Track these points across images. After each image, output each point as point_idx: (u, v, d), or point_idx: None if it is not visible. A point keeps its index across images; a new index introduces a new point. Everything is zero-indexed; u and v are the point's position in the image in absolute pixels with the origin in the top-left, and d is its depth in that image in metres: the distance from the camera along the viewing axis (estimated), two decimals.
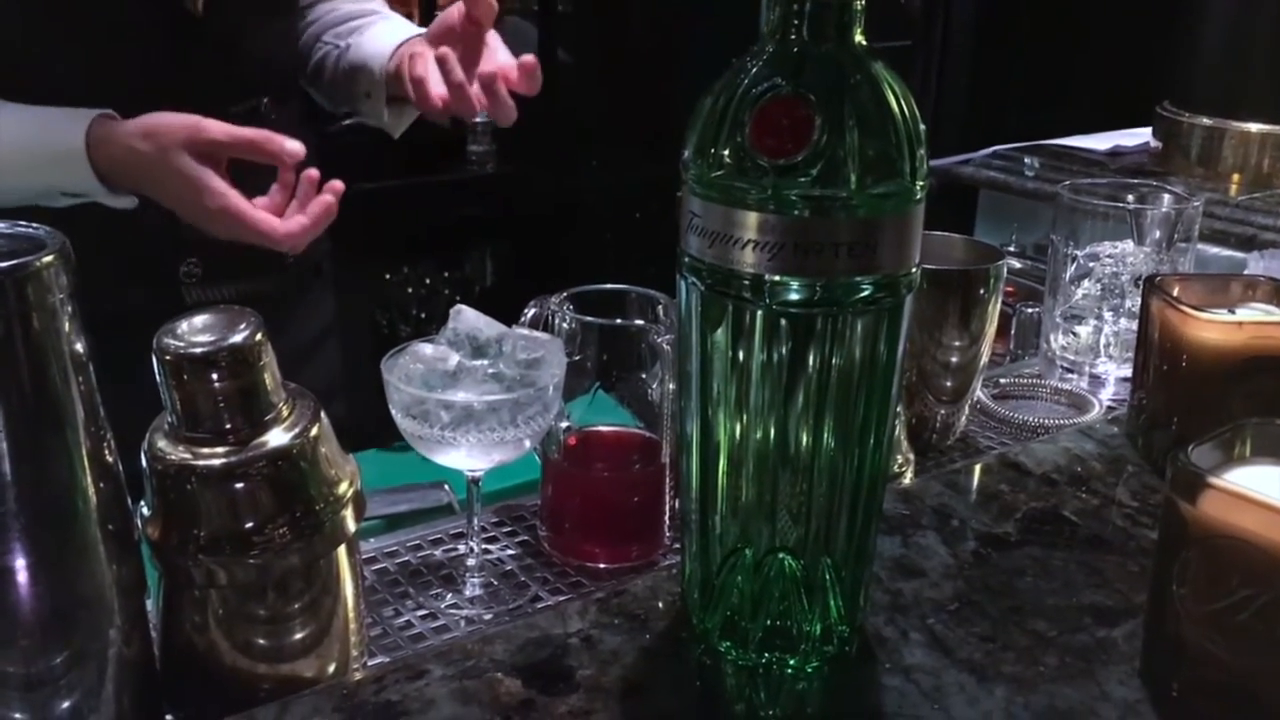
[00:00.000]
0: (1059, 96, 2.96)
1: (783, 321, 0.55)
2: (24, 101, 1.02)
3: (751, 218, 0.54)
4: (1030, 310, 1.37)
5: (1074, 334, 1.08)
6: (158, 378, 0.59)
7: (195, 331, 0.59)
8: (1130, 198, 1.10)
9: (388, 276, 3.02)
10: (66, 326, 0.54)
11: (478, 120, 2.17)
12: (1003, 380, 1.11)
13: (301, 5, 1.29)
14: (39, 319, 0.52)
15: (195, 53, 1.09)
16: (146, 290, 1.10)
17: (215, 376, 0.58)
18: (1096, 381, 1.09)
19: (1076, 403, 1.06)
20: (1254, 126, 1.66)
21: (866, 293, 0.55)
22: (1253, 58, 1.70)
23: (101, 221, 1.01)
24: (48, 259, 0.52)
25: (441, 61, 1.05)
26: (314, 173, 1.01)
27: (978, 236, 1.92)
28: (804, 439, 0.58)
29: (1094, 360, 1.08)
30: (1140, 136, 1.85)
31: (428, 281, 3.08)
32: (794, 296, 0.55)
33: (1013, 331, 1.42)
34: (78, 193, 1.02)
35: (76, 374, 0.55)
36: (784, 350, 0.56)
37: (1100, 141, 1.88)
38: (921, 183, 0.55)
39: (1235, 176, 1.68)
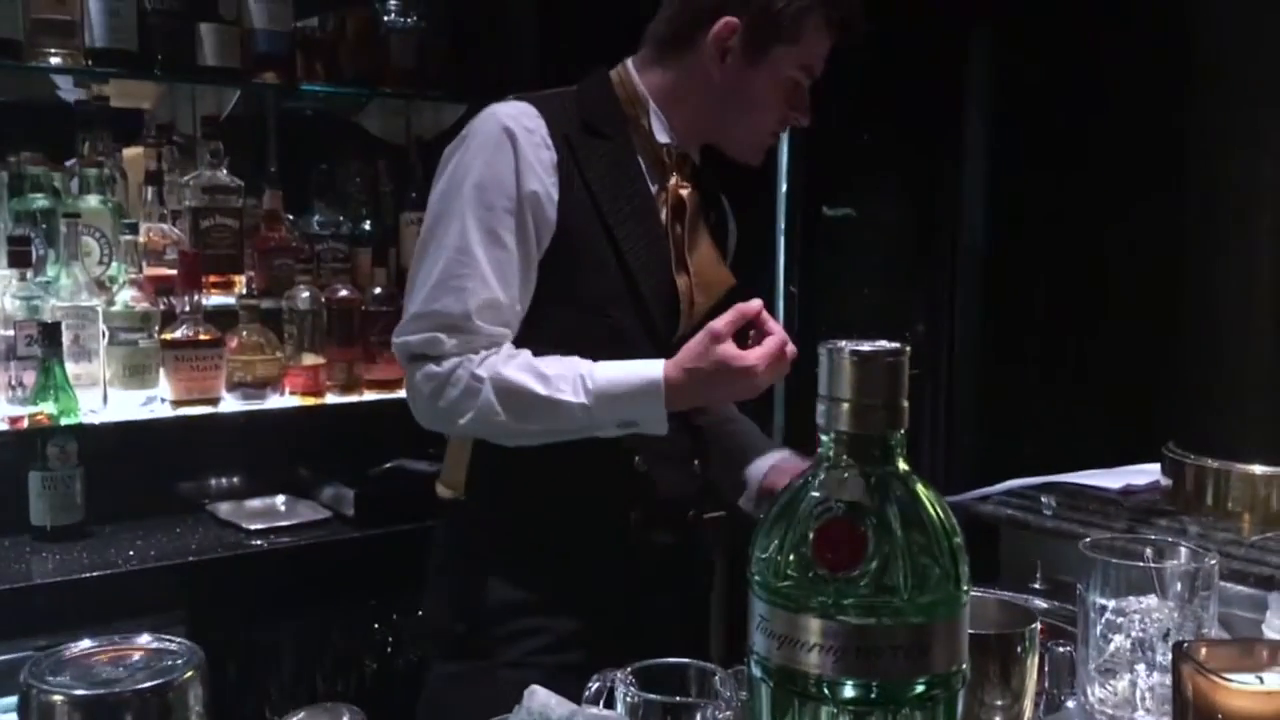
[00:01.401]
0: (1068, 426, 3.08)
1: (846, 714, 0.61)
2: None
3: (814, 623, 0.60)
4: (1062, 650, 1.40)
5: (1110, 689, 1.11)
6: None
7: None
8: (1149, 552, 1.16)
9: None
10: None
11: None
12: None
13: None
14: None
15: (635, 491, 1.58)
16: (600, 530, 1.57)
17: None
18: None
19: None
20: (1258, 469, 1.74)
21: (921, 690, 0.60)
22: (1250, 402, 1.80)
23: (582, 472, 1.52)
24: (188, 674, 0.58)
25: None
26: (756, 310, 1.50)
27: (1002, 572, 1.97)
28: None
29: (1132, 714, 1.11)
30: (1150, 474, 1.93)
31: None
32: (855, 694, 0.60)
33: (1046, 669, 1.44)
34: (633, 420, 1.49)
35: None
36: None
37: (1112, 479, 1.96)
38: (966, 588, 0.61)
39: (1246, 516, 1.74)
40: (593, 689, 0.88)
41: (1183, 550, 1.16)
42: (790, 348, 1.50)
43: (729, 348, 1.46)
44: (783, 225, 3.55)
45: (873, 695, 0.60)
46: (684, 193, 1.63)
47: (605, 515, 1.57)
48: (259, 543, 2.24)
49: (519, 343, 1.54)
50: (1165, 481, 1.87)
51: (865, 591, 0.59)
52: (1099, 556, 1.13)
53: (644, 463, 1.58)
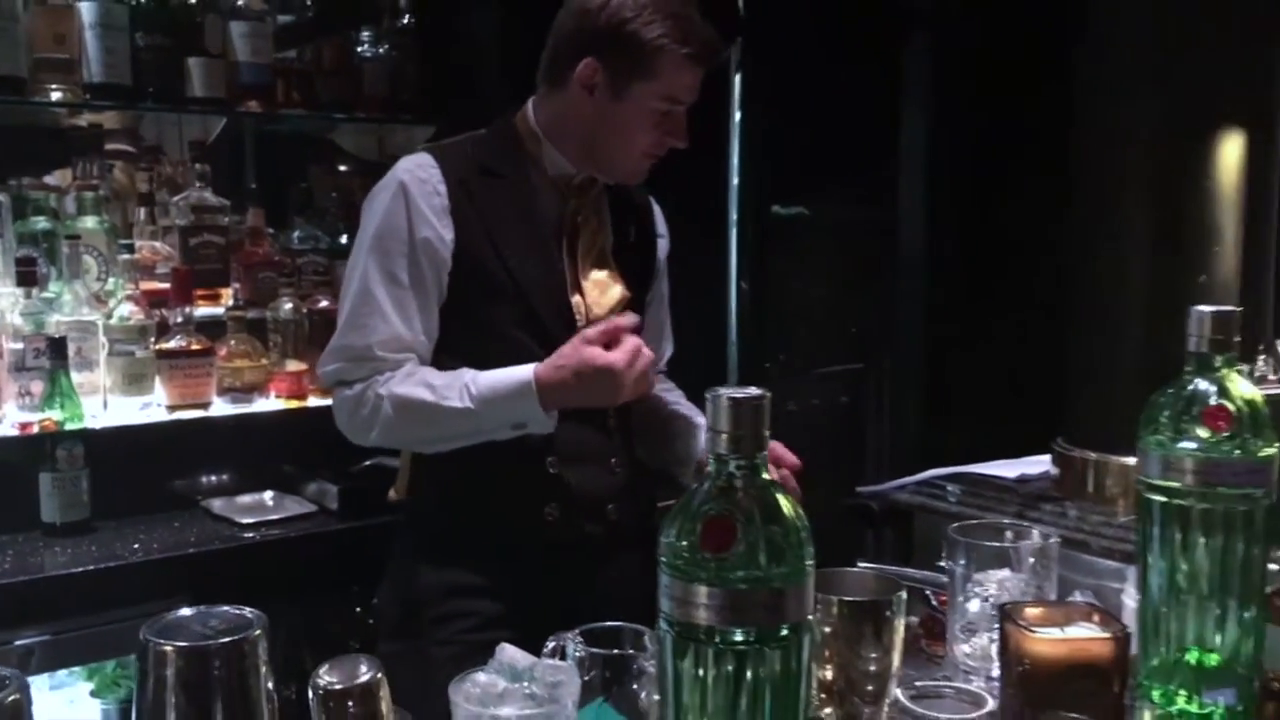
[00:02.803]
0: (990, 418, 3.34)
1: (727, 656, 0.85)
2: None
3: (702, 590, 0.84)
4: None
5: (972, 646, 1.37)
6: (313, 712, 0.87)
7: (330, 673, 0.88)
8: (1008, 534, 1.42)
9: None
10: (263, 683, 0.82)
11: None
12: (918, 683, 1.39)
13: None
14: (246, 680, 0.80)
15: (549, 490, 1.78)
16: (518, 525, 1.77)
17: (350, 705, 0.86)
18: (992, 681, 1.36)
19: (976, 700, 1.33)
20: (1132, 460, 2.00)
21: (782, 634, 0.85)
22: (1123, 402, 2.06)
23: (501, 475, 1.74)
24: (258, 633, 0.81)
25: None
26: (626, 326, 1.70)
27: (915, 551, 2.23)
28: None
29: (989, 666, 1.36)
30: (1043, 464, 2.20)
31: None
32: (734, 638, 0.84)
33: (946, 634, 1.70)
34: (521, 420, 1.67)
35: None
36: (729, 670, 0.86)
37: (1010, 469, 2.23)
38: (810, 562, 0.86)
39: (1120, 501, 2.01)
40: (549, 647, 1.12)
41: (1034, 532, 1.41)
42: (646, 353, 1.68)
43: (594, 349, 1.64)
44: (734, 221, 3.73)
45: (749, 638, 0.84)
46: (578, 219, 1.82)
47: (522, 512, 1.78)
48: (251, 535, 2.41)
49: (437, 364, 1.76)
50: (1054, 471, 2.14)
51: (736, 566, 0.83)
52: (962, 538, 1.38)
53: (557, 465, 1.77)
